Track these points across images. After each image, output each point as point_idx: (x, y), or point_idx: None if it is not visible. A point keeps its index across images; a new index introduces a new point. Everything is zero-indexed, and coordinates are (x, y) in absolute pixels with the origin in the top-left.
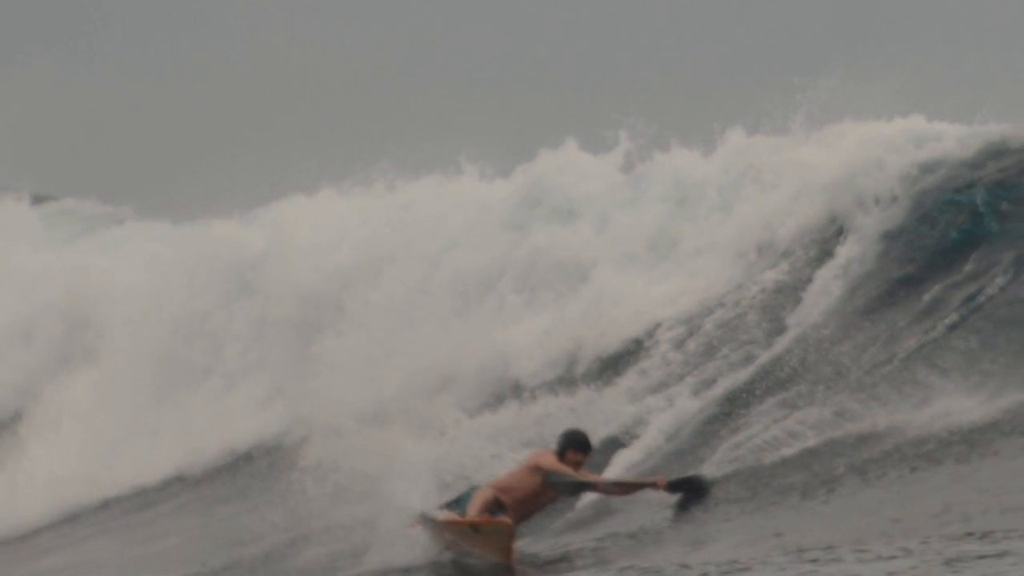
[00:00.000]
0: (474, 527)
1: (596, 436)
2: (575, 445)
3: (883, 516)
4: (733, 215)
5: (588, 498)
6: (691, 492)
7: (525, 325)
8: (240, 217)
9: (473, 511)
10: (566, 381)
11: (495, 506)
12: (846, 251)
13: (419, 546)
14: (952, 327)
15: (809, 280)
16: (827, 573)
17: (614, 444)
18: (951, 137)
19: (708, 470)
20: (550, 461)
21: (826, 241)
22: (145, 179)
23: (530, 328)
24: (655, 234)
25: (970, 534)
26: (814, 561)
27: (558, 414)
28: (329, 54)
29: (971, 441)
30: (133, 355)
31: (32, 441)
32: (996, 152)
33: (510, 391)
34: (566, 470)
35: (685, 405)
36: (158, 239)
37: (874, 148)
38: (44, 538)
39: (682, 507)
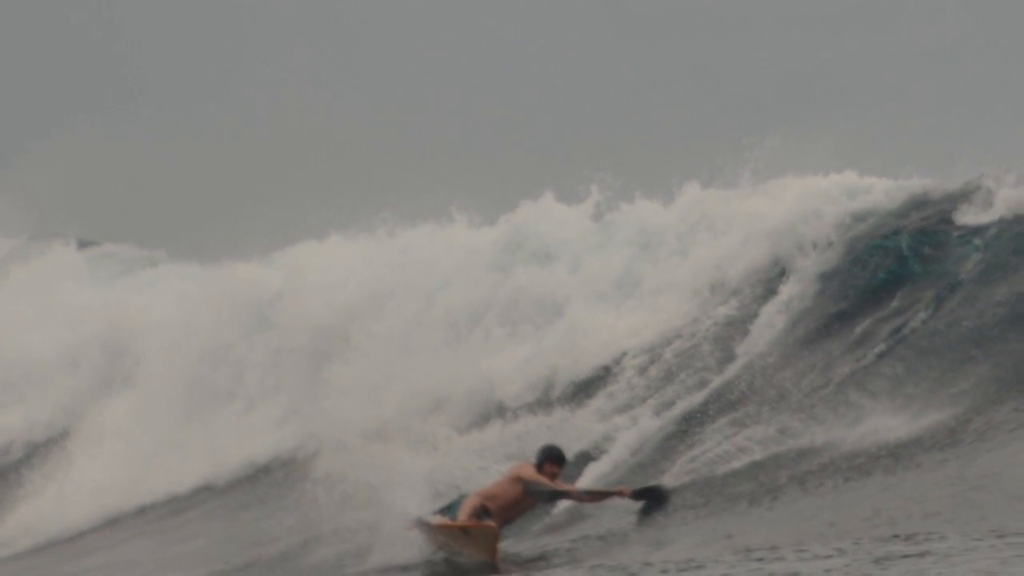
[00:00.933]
0: (464, 530)
1: (570, 451)
2: (551, 458)
3: (820, 520)
4: (689, 258)
5: (563, 505)
6: (653, 500)
7: (508, 354)
8: (259, 260)
9: (463, 516)
10: (544, 403)
11: (482, 512)
12: (788, 290)
13: (416, 547)
14: (880, 356)
15: (756, 315)
16: (771, 570)
17: (585, 458)
18: (879, 190)
19: (668, 480)
20: (530, 472)
21: (770, 281)
22: (176, 226)
23: (512, 356)
24: (621, 275)
25: (896, 536)
26: (760, 560)
27: (536, 431)
28: (336, 118)
29: (897, 455)
30: (166, 380)
31: (78, 455)
32: (919, 203)
33: (495, 411)
34: (544, 480)
35: (647, 424)
36: (187, 279)
37: (812, 200)
38: (89, 540)
39: (645, 513)
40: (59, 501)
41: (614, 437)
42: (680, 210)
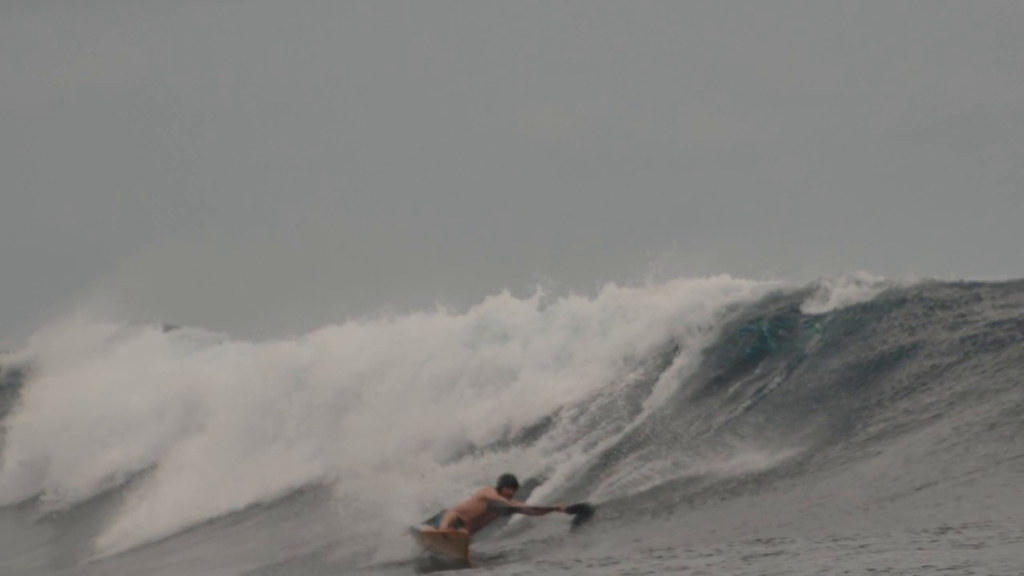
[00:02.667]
0: (444, 536)
1: (521, 478)
2: (508, 483)
3: (703, 528)
4: (608, 338)
5: (516, 518)
6: (582, 514)
7: (476, 408)
8: (295, 339)
9: (444, 525)
10: (502, 443)
11: (457, 522)
12: (680, 361)
13: (409, 548)
14: (747, 409)
15: (656, 379)
16: (667, 565)
17: (533, 483)
18: (746, 288)
19: (593, 499)
20: (492, 494)
21: (667, 354)
22: (235, 314)
23: (480, 409)
24: (559, 350)
25: (759, 540)
26: (659, 558)
27: (497, 464)
28: (351, 234)
29: (759, 481)
30: (228, 427)
31: (163, 481)
32: (775, 298)
33: (467, 449)
34: (502, 499)
35: (578, 458)
36: (243, 353)
37: (697, 295)
38: (171, 543)
39: (576, 523)
40: (149, 515)
41: (554, 468)
42: (602, 303)
